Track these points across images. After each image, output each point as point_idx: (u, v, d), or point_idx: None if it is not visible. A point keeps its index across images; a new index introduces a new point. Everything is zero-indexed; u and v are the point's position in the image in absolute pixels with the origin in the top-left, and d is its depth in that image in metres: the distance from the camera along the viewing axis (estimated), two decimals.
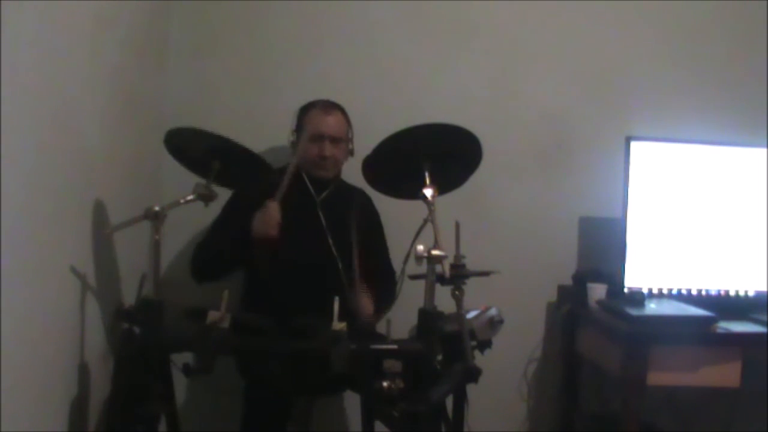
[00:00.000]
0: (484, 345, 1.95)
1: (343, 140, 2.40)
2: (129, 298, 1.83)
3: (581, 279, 2.68)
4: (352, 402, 2.63)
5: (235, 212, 2.36)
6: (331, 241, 2.35)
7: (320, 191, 2.41)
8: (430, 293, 1.75)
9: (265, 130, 2.59)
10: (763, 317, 2.44)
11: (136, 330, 1.74)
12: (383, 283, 2.40)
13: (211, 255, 2.33)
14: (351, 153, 2.43)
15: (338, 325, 1.74)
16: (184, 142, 1.91)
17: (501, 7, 2.82)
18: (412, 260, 1.75)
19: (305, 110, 2.41)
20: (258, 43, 2.72)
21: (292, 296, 2.28)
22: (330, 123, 2.37)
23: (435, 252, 1.72)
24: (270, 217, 2.13)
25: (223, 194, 2.18)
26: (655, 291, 2.62)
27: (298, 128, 2.41)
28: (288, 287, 2.30)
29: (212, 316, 1.75)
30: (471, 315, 1.94)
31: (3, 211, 1.21)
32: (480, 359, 1.88)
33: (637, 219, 2.60)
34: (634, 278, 2.60)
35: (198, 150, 1.87)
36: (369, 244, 2.51)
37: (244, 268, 2.42)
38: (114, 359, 1.89)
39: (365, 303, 2.28)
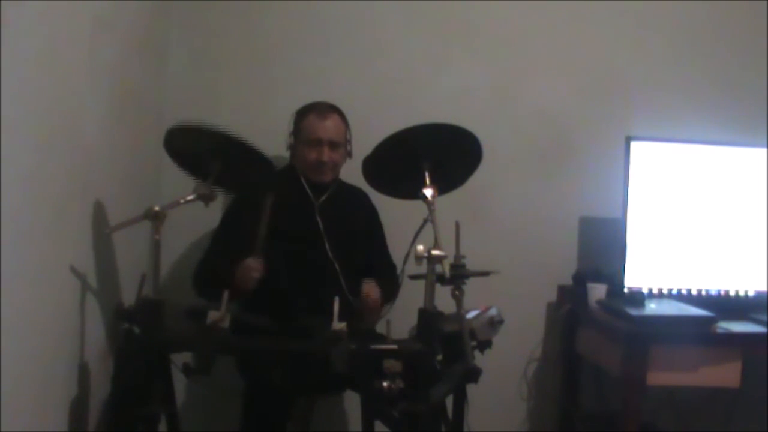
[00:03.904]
0: (484, 345, 1.95)
1: (342, 144, 2.39)
2: (129, 298, 1.83)
3: (581, 279, 2.68)
4: (352, 402, 2.63)
5: (235, 223, 2.35)
6: (328, 245, 2.35)
7: (319, 195, 2.41)
8: (430, 293, 1.75)
9: (264, 130, 2.57)
10: (763, 317, 2.44)
11: (136, 330, 1.74)
12: (386, 277, 2.40)
13: (211, 281, 2.24)
14: (349, 155, 2.43)
15: (338, 325, 1.74)
16: (184, 143, 1.90)
17: (501, 7, 2.82)
18: (412, 260, 1.75)
19: (302, 114, 2.39)
20: (257, 44, 2.72)
21: (291, 297, 2.28)
22: (328, 128, 2.35)
23: (435, 252, 1.72)
24: (248, 276, 2.13)
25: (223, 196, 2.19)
26: (655, 291, 2.62)
27: (296, 132, 2.40)
28: (287, 288, 2.30)
29: (212, 316, 1.75)
30: (471, 315, 1.94)
31: (3, 211, 1.21)
32: (480, 359, 1.88)
33: (637, 219, 2.60)
34: (634, 278, 2.60)
35: (199, 150, 1.86)
36: (370, 242, 2.52)
37: None
38: (114, 359, 1.89)
39: (375, 288, 2.27)
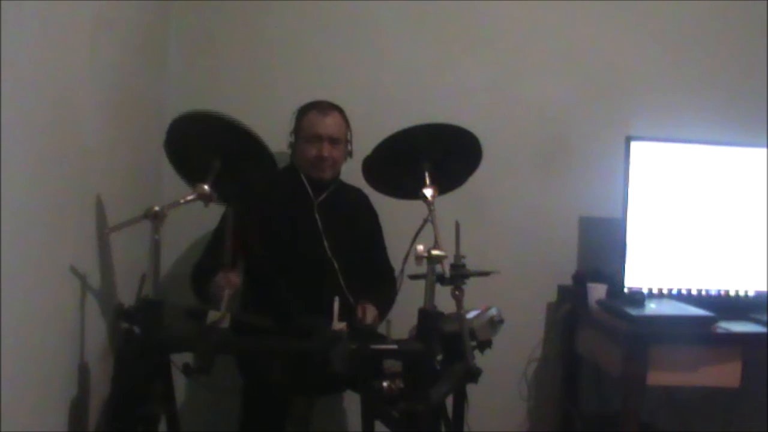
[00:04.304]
0: (484, 345, 1.95)
1: (342, 141, 2.40)
2: (129, 298, 1.83)
3: (581, 279, 2.68)
4: (352, 402, 2.63)
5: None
6: (326, 243, 2.35)
7: (318, 193, 2.41)
8: (430, 293, 1.75)
9: (264, 130, 2.57)
10: (763, 317, 2.44)
11: (136, 330, 1.74)
12: (384, 282, 2.40)
13: (207, 283, 2.14)
14: (350, 154, 2.43)
15: (338, 325, 1.74)
16: (185, 137, 1.87)
17: (501, 8, 2.82)
18: (412, 260, 1.75)
19: (303, 112, 2.41)
20: (257, 43, 2.72)
21: (290, 296, 2.28)
22: (328, 124, 2.36)
23: (435, 252, 1.72)
24: (222, 293, 1.88)
25: None
26: (655, 291, 2.62)
27: (296, 130, 2.41)
28: (287, 288, 2.29)
29: (212, 316, 1.75)
30: (471, 315, 1.94)
31: (3, 211, 1.21)
32: (480, 359, 1.88)
33: (637, 219, 2.60)
34: (634, 278, 2.60)
35: (198, 145, 1.85)
36: (369, 244, 2.51)
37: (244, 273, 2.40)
38: (114, 359, 1.88)
39: (370, 309, 2.27)
